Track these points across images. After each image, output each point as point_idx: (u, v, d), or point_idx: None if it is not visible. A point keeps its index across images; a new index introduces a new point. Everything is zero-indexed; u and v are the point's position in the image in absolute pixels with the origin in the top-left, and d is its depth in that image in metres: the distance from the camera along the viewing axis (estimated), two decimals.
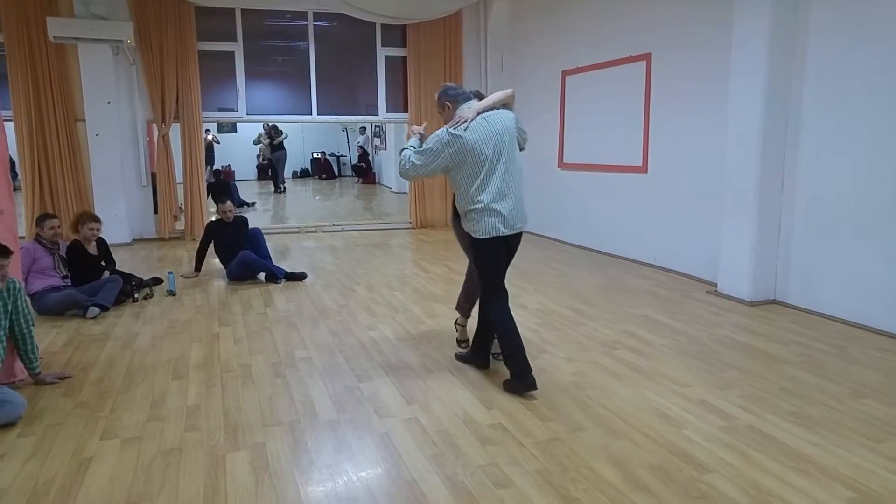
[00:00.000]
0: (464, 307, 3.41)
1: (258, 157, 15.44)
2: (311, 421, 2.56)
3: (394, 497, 2.01)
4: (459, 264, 5.98)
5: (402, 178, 2.97)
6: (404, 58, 8.10)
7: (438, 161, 2.75)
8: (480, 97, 2.96)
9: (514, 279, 5.12)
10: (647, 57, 5.59)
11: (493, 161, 2.75)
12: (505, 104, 2.88)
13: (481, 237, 2.80)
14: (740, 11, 4.31)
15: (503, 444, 2.33)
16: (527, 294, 4.66)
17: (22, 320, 2.78)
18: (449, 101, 2.85)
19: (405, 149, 2.87)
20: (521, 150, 2.93)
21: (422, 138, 2.91)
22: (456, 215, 3.08)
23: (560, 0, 6.80)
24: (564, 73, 6.83)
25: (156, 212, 7.47)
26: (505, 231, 2.78)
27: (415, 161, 2.79)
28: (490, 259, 2.87)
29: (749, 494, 1.99)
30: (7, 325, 2.73)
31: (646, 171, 5.71)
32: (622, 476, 2.11)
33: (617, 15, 5.96)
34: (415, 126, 3.01)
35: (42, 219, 4.26)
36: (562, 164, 6.99)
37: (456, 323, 3.49)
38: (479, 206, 2.76)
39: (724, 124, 4.56)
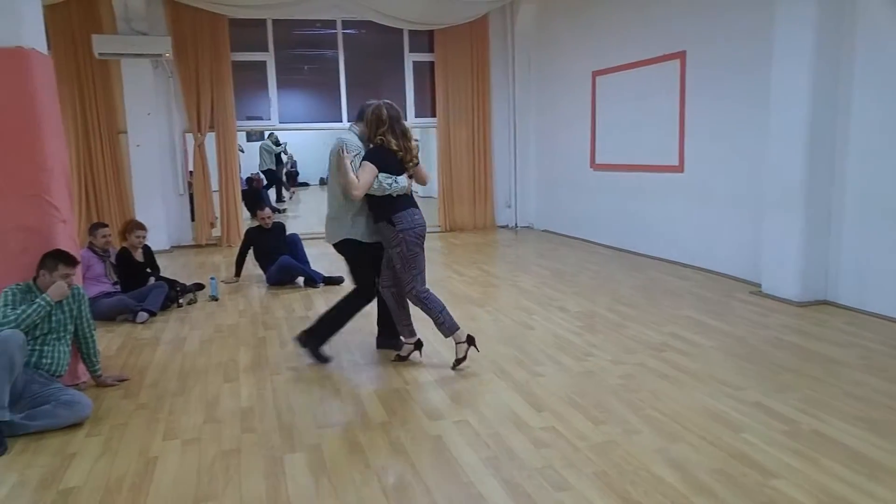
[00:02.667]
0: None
1: (286, 164, 15.72)
2: (364, 423, 2.59)
3: (453, 499, 2.02)
4: (493, 266, 5.99)
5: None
6: (432, 63, 8.15)
7: None
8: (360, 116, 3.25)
9: (551, 281, 5.10)
10: (681, 55, 5.51)
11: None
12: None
13: None
14: None
15: (557, 447, 2.32)
16: (565, 297, 4.63)
17: (86, 325, 2.89)
18: None
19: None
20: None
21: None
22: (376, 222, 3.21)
23: (589, 0, 6.76)
24: (595, 74, 6.78)
25: (192, 219, 7.66)
26: None
27: None
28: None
29: (821, 501, 1.94)
30: (73, 330, 2.84)
31: (682, 171, 5.63)
32: (683, 479, 2.08)
33: (648, 13, 5.90)
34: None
35: (95, 227, 4.41)
36: (594, 165, 6.93)
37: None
38: None
39: (765, 119, 4.44)
